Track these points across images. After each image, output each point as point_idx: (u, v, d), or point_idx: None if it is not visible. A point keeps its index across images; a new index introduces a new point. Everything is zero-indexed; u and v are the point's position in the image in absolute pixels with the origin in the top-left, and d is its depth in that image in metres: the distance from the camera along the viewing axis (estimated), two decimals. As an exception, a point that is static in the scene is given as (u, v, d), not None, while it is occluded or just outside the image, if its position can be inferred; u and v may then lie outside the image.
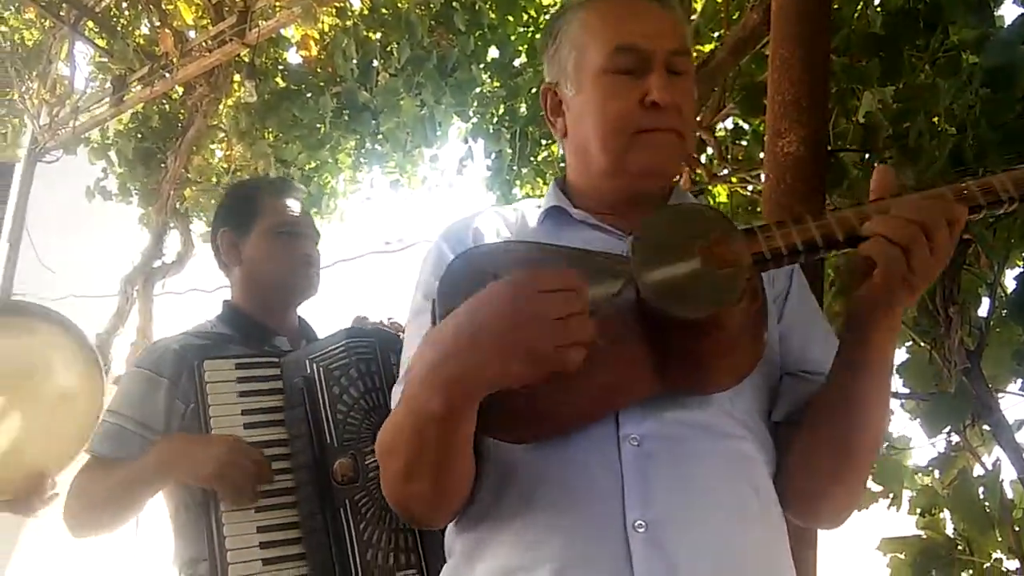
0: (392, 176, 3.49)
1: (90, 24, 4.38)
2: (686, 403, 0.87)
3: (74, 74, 4.62)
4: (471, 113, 2.84)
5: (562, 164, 2.85)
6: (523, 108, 2.87)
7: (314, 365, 1.40)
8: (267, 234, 1.69)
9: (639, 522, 0.82)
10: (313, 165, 3.69)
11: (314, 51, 3.48)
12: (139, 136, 4.37)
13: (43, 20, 4.58)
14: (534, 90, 2.71)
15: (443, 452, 0.85)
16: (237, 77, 3.86)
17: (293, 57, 3.74)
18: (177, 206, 4.18)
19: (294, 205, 1.76)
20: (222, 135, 4.25)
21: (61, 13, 4.26)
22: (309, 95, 3.46)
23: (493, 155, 2.83)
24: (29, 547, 3.44)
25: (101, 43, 4.34)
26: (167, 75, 3.94)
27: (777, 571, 0.89)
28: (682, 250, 0.83)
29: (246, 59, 3.66)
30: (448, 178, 3.28)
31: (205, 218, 4.27)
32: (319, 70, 3.50)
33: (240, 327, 1.67)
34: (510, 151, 2.70)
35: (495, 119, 2.84)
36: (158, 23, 4.01)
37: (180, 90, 4.26)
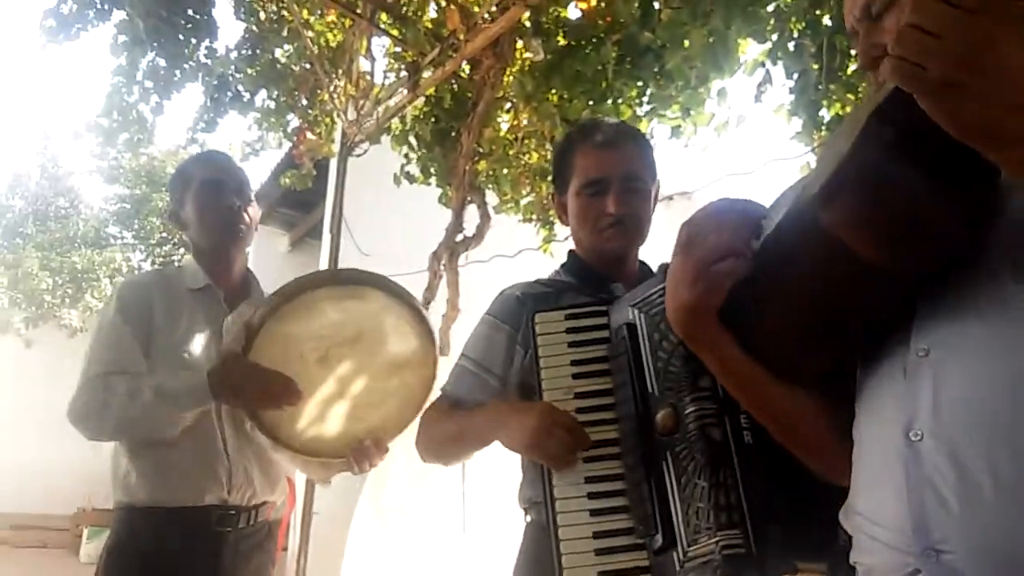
0: (674, 122, 3.40)
1: (383, 16, 4.77)
2: (981, 307, 0.81)
3: (374, 67, 5.07)
4: (767, 32, 2.67)
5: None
6: (826, 19, 2.66)
7: (634, 311, 1.43)
8: (576, 195, 1.77)
9: (915, 431, 0.81)
10: (598, 122, 3.70)
11: (593, 1, 3.49)
12: (434, 119, 4.68)
13: (343, 19, 5.08)
14: (837, -4, 2.50)
15: (749, 393, 1.06)
16: (520, 44, 4.00)
17: (572, 13, 3.78)
18: (472, 181, 4.42)
19: (603, 158, 1.74)
20: (508, 105, 4.44)
21: (358, 10, 4.69)
22: (589, 49, 3.48)
23: (795, 75, 2.65)
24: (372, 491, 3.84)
25: (394, 32, 4.71)
26: (454, 55, 4.20)
27: None
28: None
29: (527, 23, 3.78)
30: (737, 112, 3.13)
31: (496, 190, 4.49)
32: (599, 21, 3.50)
33: (579, 275, 1.78)
34: (816, 66, 2.51)
35: (795, 35, 2.65)
36: (444, 2, 4.27)
37: (467, 69, 4.50)
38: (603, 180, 1.71)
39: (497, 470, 3.40)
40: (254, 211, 2.19)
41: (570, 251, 1.84)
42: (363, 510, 3.81)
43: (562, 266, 1.82)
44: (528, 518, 1.66)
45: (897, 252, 0.80)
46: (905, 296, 0.88)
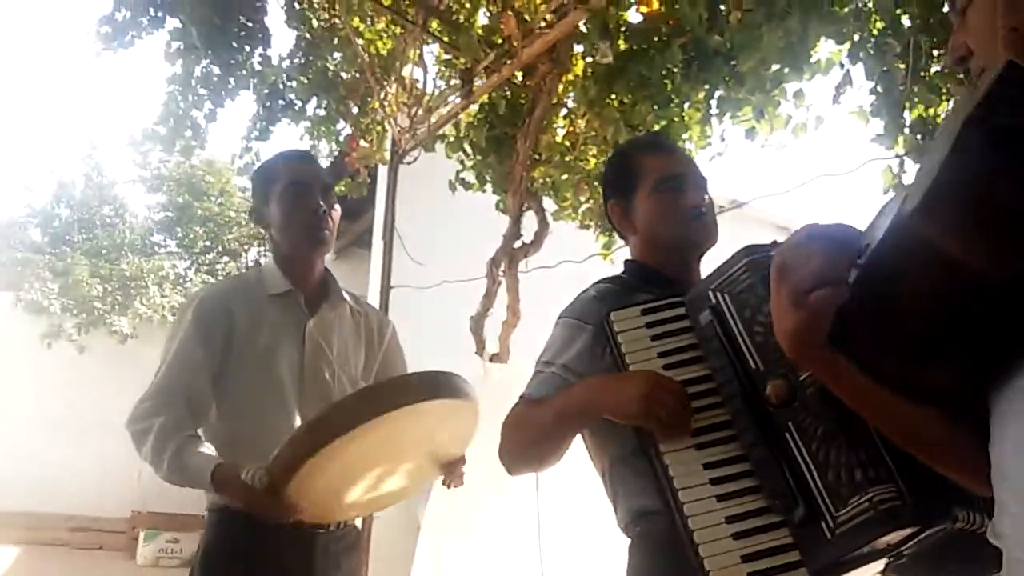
0: (747, 124, 3.33)
1: (434, 24, 4.74)
2: None
3: (426, 75, 5.04)
4: (845, 32, 2.60)
5: (960, 76, 2.53)
6: (905, 18, 2.59)
7: (718, 294, 1.41)
8: (651, 194, 1.74)
9: None
10: (660, 125, 3.64)
11: (655, 5, 3.44)
12: (489, 126, 4.65)
13: (393, 27, 5.06)
14: (920, -4, 2.43)
15: (871, 410, 1.02)
16: (578, 49, 3.95)
17: (633, 17, 3.73)
18: (529, 187, 4.37)
19: (673, 158, 1.78)
20: (564, 111, 4.39)
21: (409, 18, 4.67)
22: (654, 53, 3.42)
23: (876, 77, 2.57)
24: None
25: (445, 39, 4.68)
26: (508, 61, 4.16)
27: None
28: None
29: (583, 29, 3.73)
30: (815, 113, 3.06)
31: (554, 196, 4.45)
32: (663, 25, 3.44)
33: (645, 279, 1.73)
34: (902, 66, 2.43)
35: (875, 35, 2.58)
36: (498, 9, 4.23)
37: (520, 75, 4.46)
38: (680, 176, 1.72)
39: (572, 480, 3.37)
40: (337, 214, 2.16)
41: (628, 260, 1.81)
42: (432, 517, 3.77)
43: (622, 274, 1.79)
44: (637, 529, 1.59)
45: (1009, 260, 0.76)
46: None
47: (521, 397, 1.67)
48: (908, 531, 1.13)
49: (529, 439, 1.63)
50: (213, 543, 2.00)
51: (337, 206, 2.17)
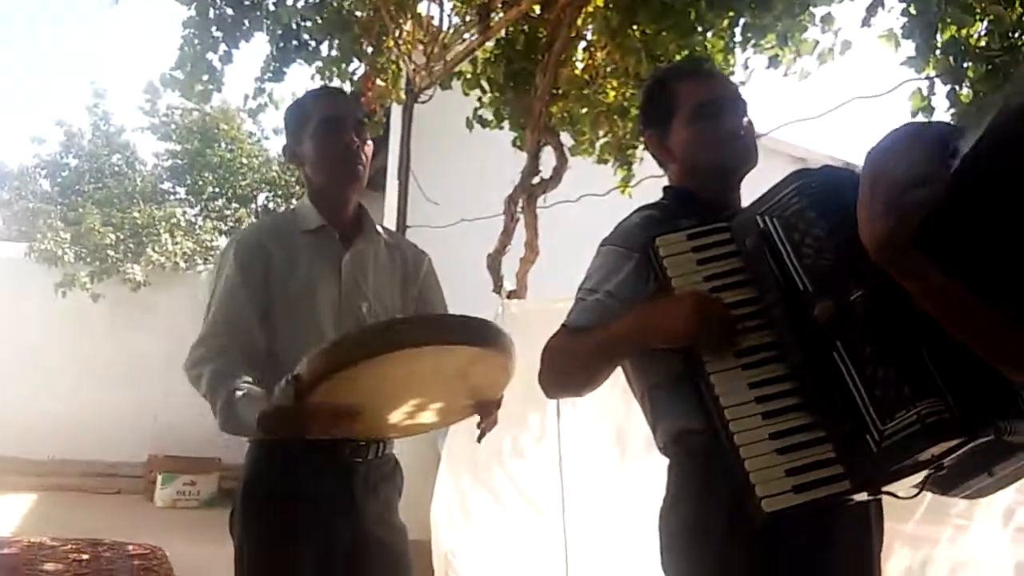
0: (771, 52, 3.29)
1: (452, -43, 4.69)
2: None
3: (441, 11, 4.98)
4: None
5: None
6: (940, -64, 2.54)
7: (766, 219, 1.42)
8: (688, 123, 1.72)
9: None
10: (682, 55, 3.60)
11: (680, -70, 3.38)
12: (506, 61, 4.60)
13: (409, -40, 4.98)
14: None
15: (955, 315, 1.03)
16: (598, -21, 3.89)
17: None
18: (547, 122, 4.35)
19: (710, 83, 1.76)
20: (583, 44, 4.34)
21: (425, -48, 4.61)
22: (678, -20, 3.38)
23: (909, -4, 2.54)
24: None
25: (464, -28, 4.62)
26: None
27: None
28: None
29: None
30: (843, 37, 3.01)
31: (571, 131, 4.42)
32: (687, -49, 3.39)
33: (686, 205, 1.73)
34: (937, -15, 2.40)
35: (909, -46, 2.54)
36: (518, -61, 4.17)
37: (538, 8, 4.40)
38: (716, 101, 1.70)
39: (593, 411, 3.41)
40: (370, 149, 2.15)
41: (667, 187, 1.80)
42: (452, 451, 3.82)
43: (665, 200, 1.78)
44: (676, 448, 1.61)
45: None
46: None
47: (563, 325, 1.66)
48: (953, 443, 1.16)
49: (571, 367, 1.63)
50: (253, 475, 2.02)
51: (370, 141, 2.15)
